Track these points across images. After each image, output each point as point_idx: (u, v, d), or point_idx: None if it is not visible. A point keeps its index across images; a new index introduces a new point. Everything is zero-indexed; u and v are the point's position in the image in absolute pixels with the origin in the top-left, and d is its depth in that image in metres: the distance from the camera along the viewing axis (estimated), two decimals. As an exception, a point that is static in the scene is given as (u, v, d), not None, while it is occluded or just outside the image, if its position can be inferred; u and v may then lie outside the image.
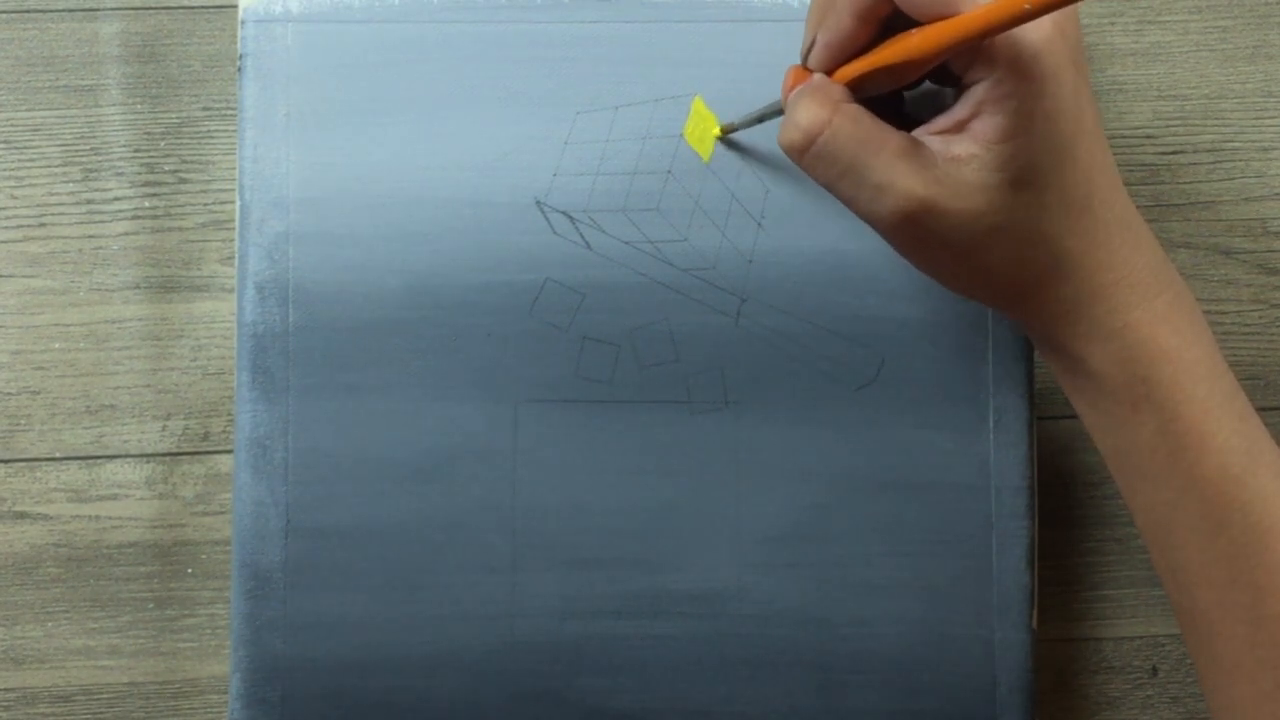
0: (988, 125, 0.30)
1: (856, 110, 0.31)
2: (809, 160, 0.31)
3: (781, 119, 0.33)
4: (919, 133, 0.31)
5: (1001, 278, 0.32)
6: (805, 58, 0.33)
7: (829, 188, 0.32)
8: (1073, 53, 0.30)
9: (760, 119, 0.37)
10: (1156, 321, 0.32)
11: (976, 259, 0.32)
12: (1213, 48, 0.44)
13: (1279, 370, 0.44)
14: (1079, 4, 0.31)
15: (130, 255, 0.43)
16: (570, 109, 0.40)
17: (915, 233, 0.31)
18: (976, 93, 0.30)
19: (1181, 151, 0.44)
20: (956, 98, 0.31)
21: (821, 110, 0.31)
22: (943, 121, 0.31)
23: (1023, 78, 0.29)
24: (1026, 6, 0.27)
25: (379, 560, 0.39)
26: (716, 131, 0.39)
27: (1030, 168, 0.30)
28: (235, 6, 0.42)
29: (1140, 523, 0.34)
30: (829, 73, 0.33)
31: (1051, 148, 0.30)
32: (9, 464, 0.42)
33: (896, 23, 0.31)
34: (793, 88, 0.33)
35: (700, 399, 0.40)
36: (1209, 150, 0.44)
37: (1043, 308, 0.33)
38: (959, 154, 0.30)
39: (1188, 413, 0.32)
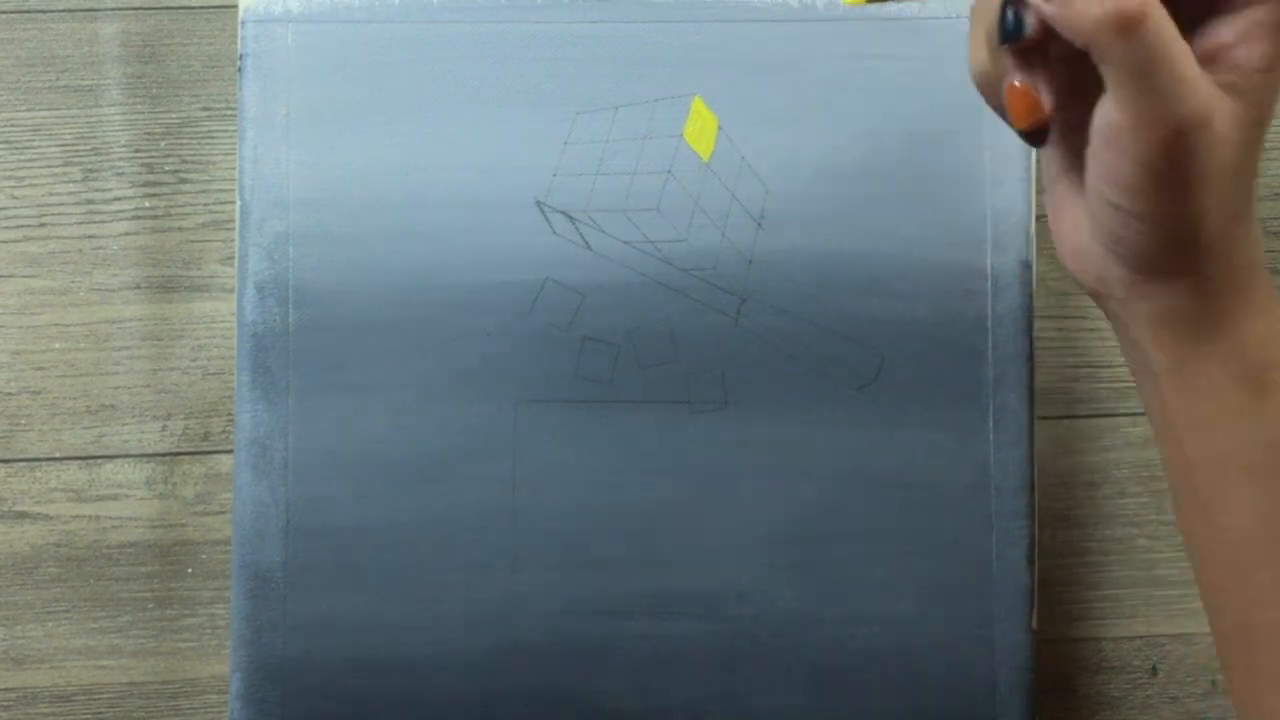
0: (1254, 52, 0.28)
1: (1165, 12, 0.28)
2: (1119, 40, 0.27)
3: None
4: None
5: (1213, 220, 0.30)
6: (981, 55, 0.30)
7: (1115, 72, 0.28)
8: None
9: None
10: None
11: (1201, 200, 0.29)
12: (1213, 48, 0.44)
13: (1279, 370, 0.44)
14: None
15: (130, 255, 0.43)
16: (570, 109, 0.40)
17: (1180, 154, 0.28)
18: (1252, 15, 0.28)
19: (1181, 151, 0.44)
20: (1210, 20, 0.29)
21: None
22: (1200, 43, 0.28)
23: None
24: None
25: (379, 560, 0.39)
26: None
27: (1270, 111, 0.29)
28: (235, 6, 0.42)
29: (1232, 534, 0.32)
30: None
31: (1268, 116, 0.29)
32: (9, 464, 0.42)
33: None
34: None
35: (700, 399, 0.40)
36: (1209, 150, 0.44)
37: (1226, 264, 0.30)
38: (1228, 81, 0.28)
39: None
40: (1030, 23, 0.29)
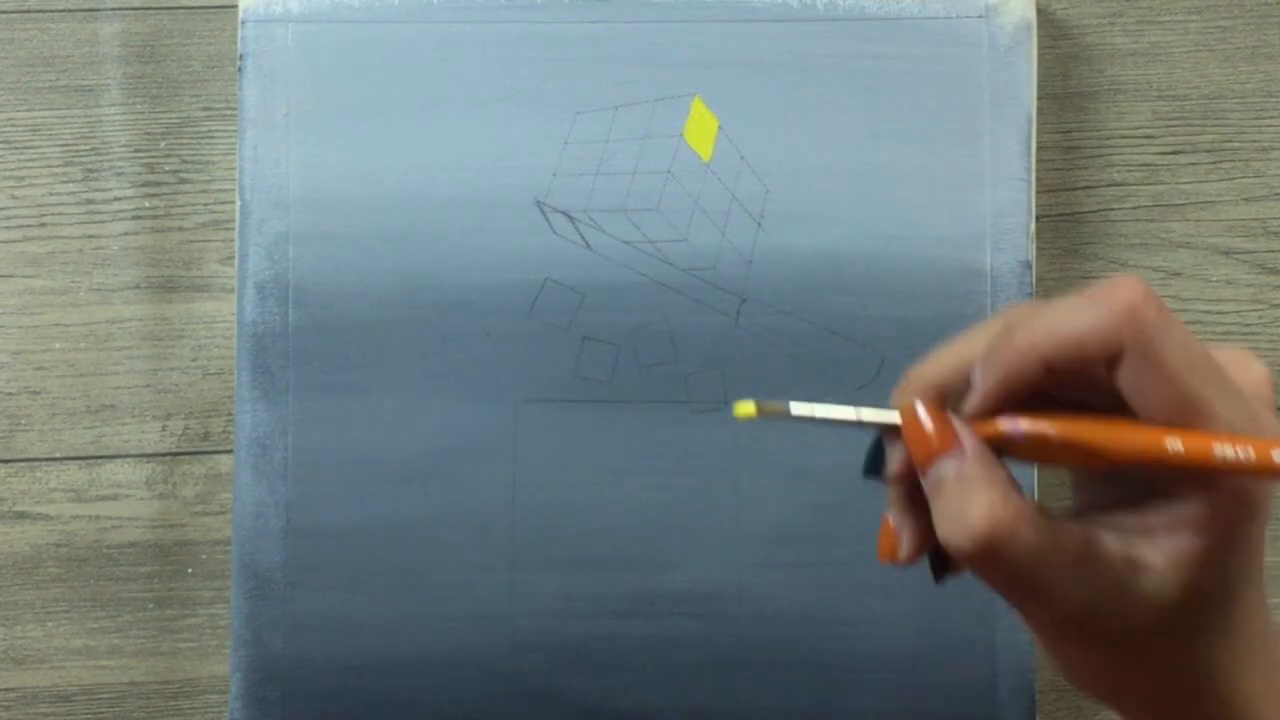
0: (1183, 545, 0.27)
1: (1034, 511, 0.27)
2: (979, 566, 0.27)
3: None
4: (1094, 518, 0.28)
5: (1145, 682, 0.30)
6: (934, 388, 0.28)
7: (986, 583, 0.28)
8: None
9: (844, 423, 0.29)
10: None
11: (1126, 668, 0.29)
12: (1213, 48, 0.44)
13: (1279, 371, 0.44)
14: None
15: (130, 255, 0.43)
16: (570, 109, 0.40)
17: (1074, 638, 0.29)
18: (1184, 508, 0.27)
19: (1181, 151, 0.44)
20: (1149, 498, 0.28)
21: (1004, 515, 0.26)
22: (1129, 521, 0.28)
23: (1242, 510, 0.27)
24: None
25: (379, 560, 0.39)
26: (748, 410, 0.28)
27: (1208, 593, 0.28)
28: (235, 6, 0.42)
29: None
30: (980, 418, 0.27)
31: (1233, 577, 0.28)
32: (9, 464, 0.42)
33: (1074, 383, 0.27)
34: (940, 448, 0.27)
35: (700, 399, 0.40)
36: (1209, 150, 0.44)
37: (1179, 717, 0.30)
38: (1141, 561, 0.27)
39: None
40: (890, 467, 0.28)
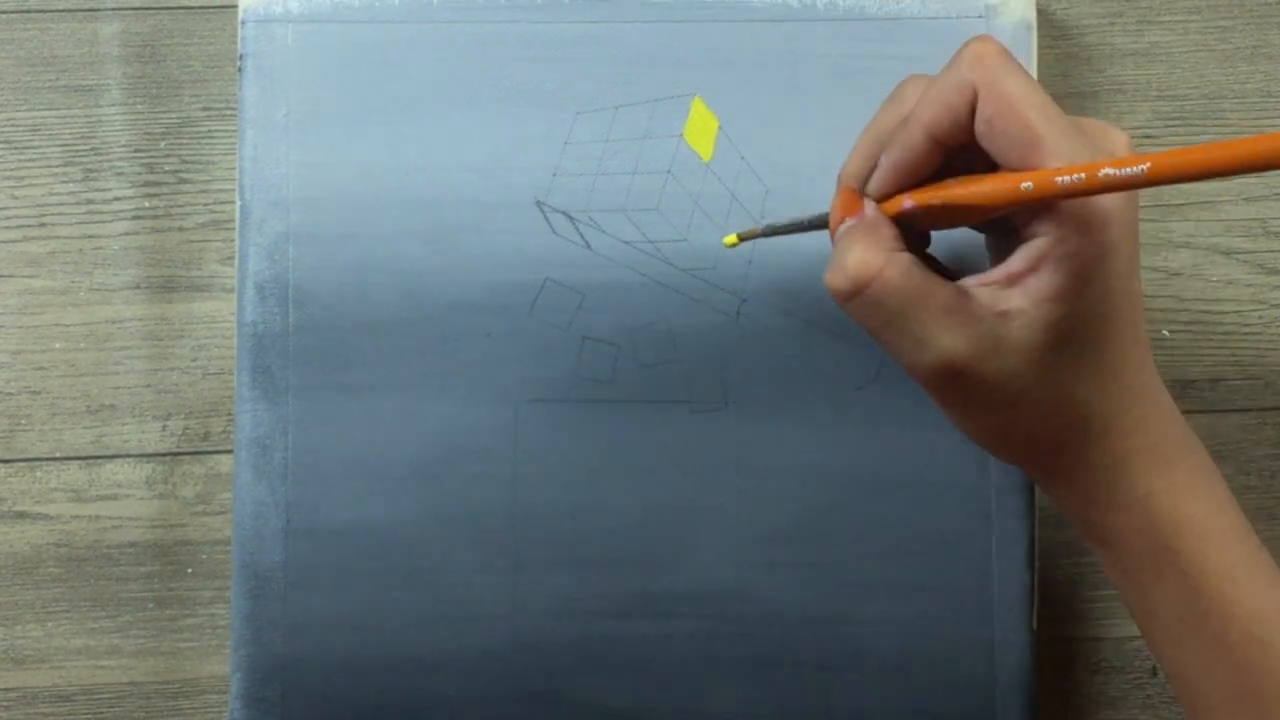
0: (1043, 283, 0.29)
1: (907, 261, 0.30)
2: (853, 307, 0.31)
3: (829, 256, 0.32)
4: (969, 280, 0.31)
5: (1030, 438, 0.32)
6: (854, 178, 0.33)
7: (869, 332, 0.32)
8: (1135, 220, 0.30)
9: (799, 228, 0.35)
10: (1179, 490, 0.32)
11: (1006, 416, 0.32)
12: (1213, 48, 0.44)
13: (1279, 370, 0.44)
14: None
15: (130, 255, 0.43)
16: (570, 109, 0.40)
17: (951, 387, 0.31)
18: (1036, 247, 0.30)
19: (1181, 151, 0.44)
20: (1010, 248, 0.30)
21: (873, 259, 0.30)
22: (996, 274, 0.30)
23: (1089, 240, 0.29)
24: (1109, 169, 0.27)
25: (379, 560, 0.39)
26: (732, 240, 0.37)
27: (1075, 331, 0.30)
28: (235, 6, 0.42)
29: (1170, 680, 0.34)
30: (884, 197, 0.32)
31: (1100, 313, 0.30)
32: (9, 464, 0.42)
33: (964, 156, 0.31)
34: (843, 215, 0.32)
35: (700, 399, 0.40)
36: (1209, 150, 0.44)
37: (1068, 472, 0.33)
38: (1008, 309, 0.30)
39: (1213, 580, 0.32)
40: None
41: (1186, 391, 0.44)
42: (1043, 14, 0.43)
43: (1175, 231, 0.44)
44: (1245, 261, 0.44)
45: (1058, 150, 0.28)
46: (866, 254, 0.30)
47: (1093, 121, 0.31)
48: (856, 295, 0.31)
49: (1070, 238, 0.29)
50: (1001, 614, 0.40)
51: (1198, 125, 0.44)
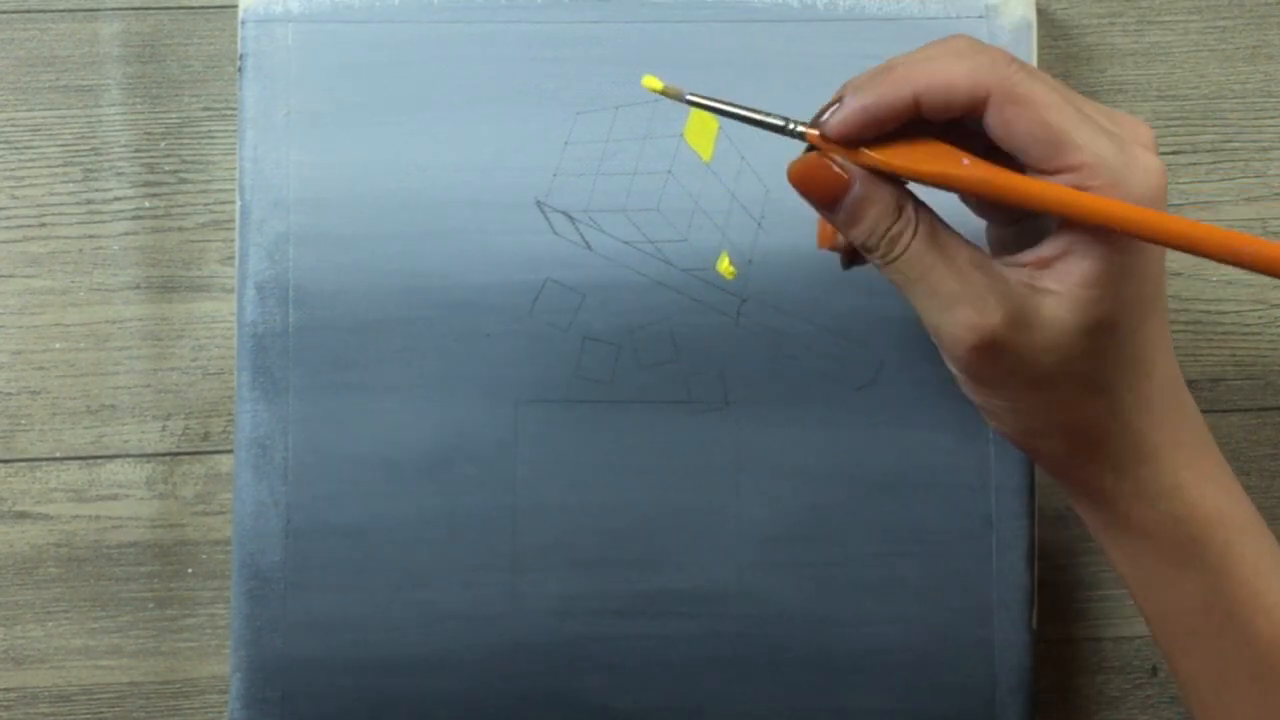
0: (1075, 268, 0.29)
1: (926, 223, 0.30)
2: (885, 267, 0.31)
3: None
4: (1003, 263, 0.31)
5: (1063, 425, 0.32)
6: (823, 117, 0.30)
7: (901, 290, 0.31)
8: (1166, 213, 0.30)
9: (749, 120, 0.32)
10: (1204, 482, 0.32)
11: (1034, 400, 0.31)
12: (1213, 48, 0.44)
13: (1279, 370, 0.44)
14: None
15: (130, 255, 0.43)
16: (570, 109, 0.40)
17: (983, 360, 0.30)
18: (1066, 237, 0.29)
19: (1181, 151, 0.44)
20: (1022, 235, 0.31)
21: (887, 221, 0.30)
22: (1028, 256, 0.30)
23: (1115, 238, 0.29)
24: (1117, 224, 0.28)
25: (378, 560, 0.39)
26: (657, 86, 0.32)
27: (1109, 318, 0.30)
28: (235, 6, 0.42)
29: (1186, 683, 0.34)
30: (842, 139, 0.30)
31: (1131, 305, 0.30)
32: (9, 464, 0.42)
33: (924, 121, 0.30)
34: (826, 190, 0.31)
35: (700, 399, 0.40)
36: (1209, 150, 0.44)
37: (1093, 461, 0.32)
38: (1039, 285, 0.30)
39: (1239, 572, 0.32)
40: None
41: (1186, 391, 0.44)
42: (1043, 14, 0.43)
43: (1175, 231, 0.44)
44: (1245, 261, 0.44)
45: (1082, 145, 0.28)
46: (879, 219, 0.30)
47: (1119, 114, 0.31)
48: (889, 253, 0.30)
49: (1105, 231, 0.29)
50: (1001, 614, 0.40)
51: (1198, 125, 0.44)
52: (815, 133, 0.30)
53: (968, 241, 0.30)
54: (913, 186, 0.30)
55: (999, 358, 0.30)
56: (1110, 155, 0.28)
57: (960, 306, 0.29)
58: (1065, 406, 0.31)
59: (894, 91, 0.29)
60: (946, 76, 0.29)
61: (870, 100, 0.29)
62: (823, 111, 0.30)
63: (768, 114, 0.31)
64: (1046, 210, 0.29)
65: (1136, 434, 0.32)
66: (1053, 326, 0.30)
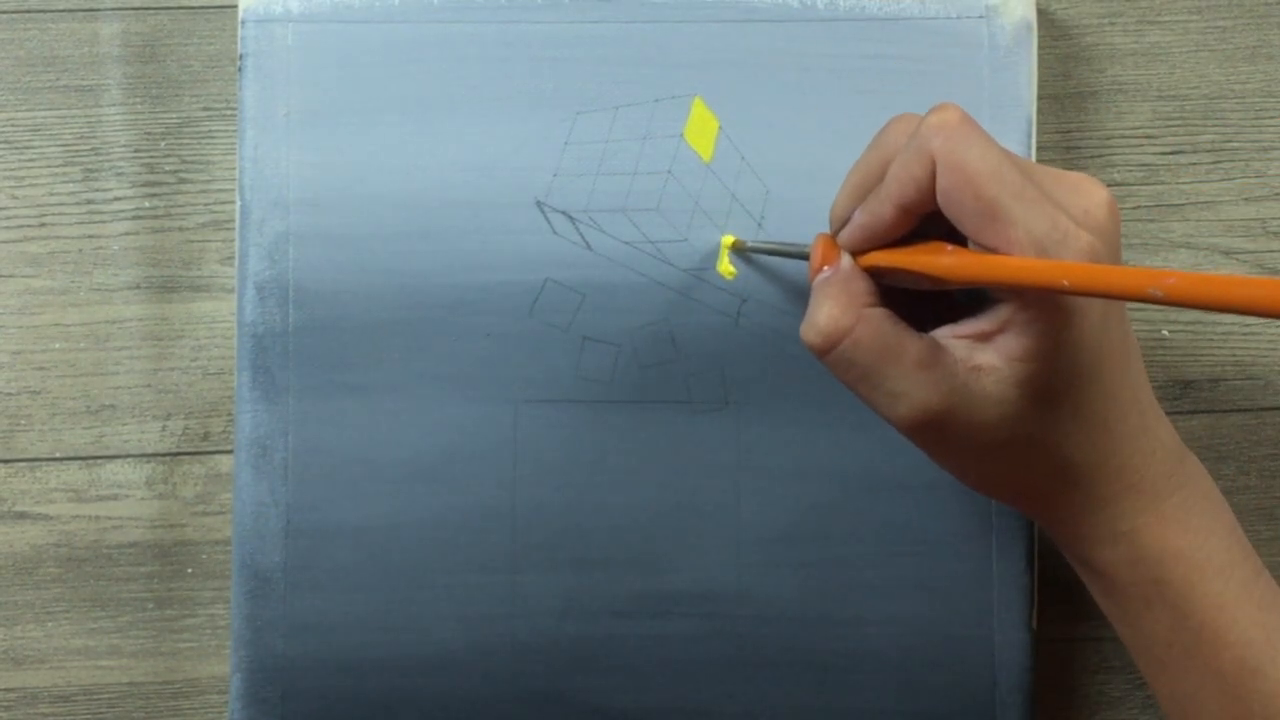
0: (1012, 343, 0.30)
1: (879, 316, 0.31)
2: (828, 362, 0.32)
3: (806, 307, 0.33)
4: (944, 331, 0.31)
5: (1011, 483, 0.33)
6: (839, 221, 0.33)
7: (845, 385, 0.32)
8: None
9: (781, 253, 0.38)
10: (1165, 523, 0.32)
11: (987, 464, 0.32)
12: (1213, 48, 0.44)
13: (1279, 370, 0.44)
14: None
15: (130, 255, 0.43)
16: (570, 109, 0.40)
17: (930, 437, 0.31)
18: (1004, 310, 0.30)
19: (1181, 151, 0.44)
20: (983, 306, 0.31)
21: (844, 316, 0.31)
22: (968, 328, 0.31)
23: (1050, 309, 0.29)
24: (1065, 283, 0.27)
25: (379, 560, 0.39)
26: (731, 241, 0.39)
27: (1048, 388, 0.30)
28: (235, 6, 0.42)
29: (1162, 701, 0.35)
30: (858, 253, 0.32)
31: (1072, 372, 0.30)
32: (9, 464, 0.42)
33: (939, 220, 0.31)
34: (821, 264, 0.33)
35: (700, 399, 0.40)
36: (1209, 150, 0.44)
37: (1052, 511, 0.33)
38: (981, 364, 0.30)
39: (1201, 609, 0.32)
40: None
41: (1186, 391, 0.44)
42: (1043, 14, 0.43)
43: (1175, 231, 0.44)
44: (1245, 261, 0.44)
45: (1014, 220, 0.28)
46: (837, 310, 0.31)
47: (1073, 177, 0.31)
48: (829, 351, 0.31)
49: (1030, 305, 0.29)
50: (1001, 614, 0.40)
51: (1198, 125, 0.44)
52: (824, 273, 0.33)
53: (918, 336, 0.31)
54: None
55: (943, 434, 0.31)
56: (1043, 231, 0.28)
57: (901, 402, 0.31)
58: (1016, 467, 0.32)
59: (880, 209, 0.31)
60: (907, 171, 0.30)
61: (868, 220, 0.31)
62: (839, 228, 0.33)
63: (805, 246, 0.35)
64: (986, 285, 0.29)
65: (1090, 485, 0.32)
66: (995, 402, 0.30)
